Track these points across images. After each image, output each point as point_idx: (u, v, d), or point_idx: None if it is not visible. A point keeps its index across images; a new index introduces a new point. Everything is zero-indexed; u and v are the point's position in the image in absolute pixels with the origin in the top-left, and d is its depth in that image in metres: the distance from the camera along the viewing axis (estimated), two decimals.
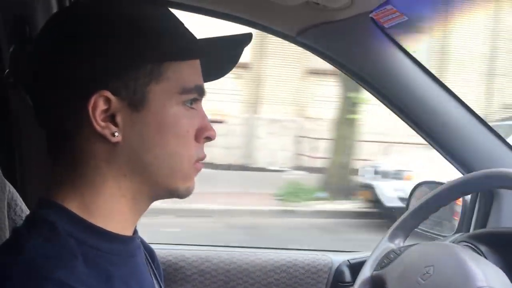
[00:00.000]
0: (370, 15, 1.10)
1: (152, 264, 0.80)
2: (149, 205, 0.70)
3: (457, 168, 1.22)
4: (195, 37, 0.68)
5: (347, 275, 1.29)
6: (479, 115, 1.19)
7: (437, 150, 1.21)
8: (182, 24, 0.68)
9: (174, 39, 0.65)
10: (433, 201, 1.01)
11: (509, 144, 1.19)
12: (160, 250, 0.81)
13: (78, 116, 0.62)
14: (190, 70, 0.66)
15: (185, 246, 1.35)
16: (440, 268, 0.85)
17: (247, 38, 0.66)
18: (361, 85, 1.20)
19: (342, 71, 1.19)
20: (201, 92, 0.68)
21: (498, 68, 9.80)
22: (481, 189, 1.15)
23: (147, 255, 0.78)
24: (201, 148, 0.69)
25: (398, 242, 1.03)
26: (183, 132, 0.65)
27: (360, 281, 1.01)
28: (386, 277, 0.96)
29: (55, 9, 1.06)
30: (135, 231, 0.71)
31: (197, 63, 0.68)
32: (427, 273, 0.86)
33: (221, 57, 0.71)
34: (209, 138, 0.69)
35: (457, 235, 1.20)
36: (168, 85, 0.64)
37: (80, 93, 0.61)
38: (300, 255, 1.32)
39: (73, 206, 0.63)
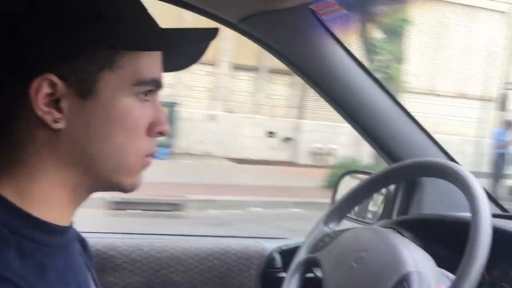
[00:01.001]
0: (310, 7, 1.12)
1: (85, 254, 0.76)
2: (90, 195, 0.67)
3: (383, 158, 1.29)
4: (158, 27, 0.65)
5: (278, 261, 1.31)
6: (406, 108, 1.26)
7: (367, 141, 1.27)
8: (145, 11, 0.64)
9: (133, 26, 0.61)
10: (366, 188, 1.06)
11: (431, 136, 1.27)
12: (89, 239, 0.78)
13: (21, 98, 0.57)
14: (149, 61, 0.62)
15: (115, 234, 1.30)
16: (373, 253, 0.88)
17: (213, 33, 0.63)
18: (298, 75, 1.22)
19: (281, 61, 1.20)
20: (158, 85, 0.64)
21: None
22: (409, 177, 1.22)
23: (80, 245, 0.75)
24: (152, 143, 0.65)
25: (333, 226, 1.06)
26: (133, 125, 0.62)
27: (296, 263, 1.03)
28: (321, 260, 0.99)
29: None
30: (71, 221, 0.67)
31: (157, 54, 0.64)
32: (361, 257, 0.89)
33: (183, 50, 0.68)
34: (161, 133, 0.65)
35: (382, 221, 1.27)
36: (122, 75, 0.60)
37: (23, 74, 0.56)
38: (232, 242, 1.33)
39: (9, 193, 0.58)
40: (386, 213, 1.33)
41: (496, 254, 0.98)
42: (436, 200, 1.26)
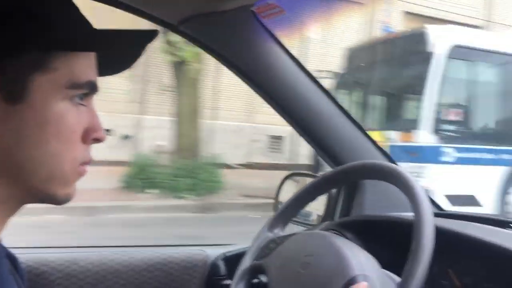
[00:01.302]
0: (252, 9, 1.10)
1: (16, 274, 0.70)
2: (20, 208, 0.61)
3: (326, 161, 1.30)
4: (92, 27, 0.60)
5: (222, 269, 1.28)
6: (347, 111, 1.28)
7: (310, 144, 1.27)
8: (78, 11, 0.60)
9: (65, 26, 0.57)
10: (310, 191, 1.05)
11: (372, 139, 1.30)
12: (19, 255, 0.72)
13: None
14: (83, 63, 0.59)
15: (48, 248, 1.22)
16: (319, 258, 0.88)
17: (151, 35, 0.60)
18: (240, 77, 1.20)
19: (223, 63, 1.18)
20: (93, 88, 0.60)
21: None
22: (353, 180, 1.23)
23: (10, 263, 0.69)
24: (88, 150, 0.61)
25: (277, 232, 1.05)
26: (68, 131, 0.58)
27: (241, 271, 1.01)
28: (266, 267, 0.97)
29: None
30: None
31: (91, 56, 0.60)
32: (307, 262, 0.88)
33: (119, 52, 0.64)
34: (97, 140, 0.62)
35: (324, 223, 1.28)
36: (55, 77, 0.56)
37: None
38: (175, 251, 1.28)
39: None
40: (328, 215, 1.34)
41: (436, 252, 1.01)
42: (376, 200, 1.29)
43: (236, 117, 11.20)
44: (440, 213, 1.25)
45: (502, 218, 1.09)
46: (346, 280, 0.80)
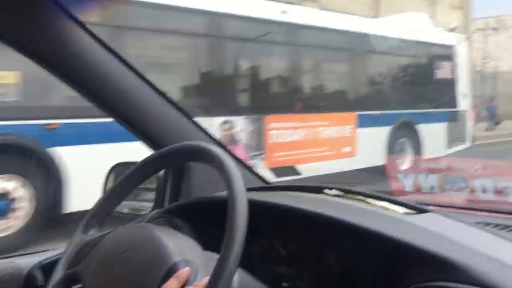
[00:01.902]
0: None
1: None
2: None
3: (148, 146, 1.24)
4: None
5: (40, 279, 1.14)
6: (165, 93, 1.23)
7: (128, 129, 1.20)
8: None
9: None
10: (126, 182, 0.98)
11: (192, 119, 1.27)
12: None
13: None
14: None
15: None
16: (137, 251, 0.83)
17: None
18: (43, 67, 1.07)
19: (23, 54, 1.03)
20: None
21: None
22: (173, 163, 1.18)
23: None
24: None
25: (93, 233, 0.96)
26: None
27: (53, 283, 0.90)
28: (81, 274, 0.88)
29: None
30: None
31: None
32: (125, 258, 0.82)
33: None
34: None
35: (154, 212, 1.22)
36: None
37: None
38: None
39: None
40: (158, 202, 1.29)
41: (261, 226, 1.03)
42: (206, 182, 1.27)
43: None
44: (263, 186, 1.28)
45: (317, 185, 1.15)
46: (167, 267, 0.77)
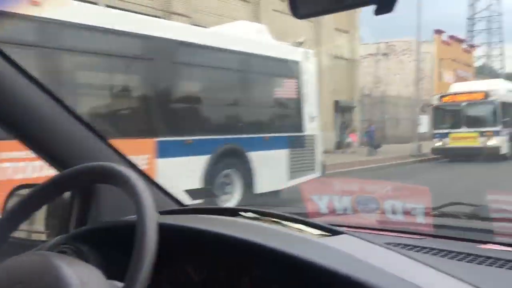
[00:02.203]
0: None
1: None
2: None
3: (53, 167, 1.15)
4: None
5: None
6: (75, 111, 1.15)
7: (31, 149, 1.10)
8: None
9: None
10: (24, 205, 0.90)
11: (106, 140, 1.20)
12: None
13: None
14: None
15: None
16: (31, 283, 0.75)
17: None
18: None
19: None
20: None
21: None
22: (79, 185, 1.10)
23: None
24: None
25: None
26: None
27: None
28: None
29: None
30: None
31: None
32: None
33: None
34: None
35: (57, 238, 1.13)
36: None
37: None
38: None
39: None
40: (62, 227, 1.20)
41: (172, 251, 0.98)
42: (115, 205, 1.20)
43: None
44: (178, 209, 1.24)
45: (232, 207, 1.12)
46: None
